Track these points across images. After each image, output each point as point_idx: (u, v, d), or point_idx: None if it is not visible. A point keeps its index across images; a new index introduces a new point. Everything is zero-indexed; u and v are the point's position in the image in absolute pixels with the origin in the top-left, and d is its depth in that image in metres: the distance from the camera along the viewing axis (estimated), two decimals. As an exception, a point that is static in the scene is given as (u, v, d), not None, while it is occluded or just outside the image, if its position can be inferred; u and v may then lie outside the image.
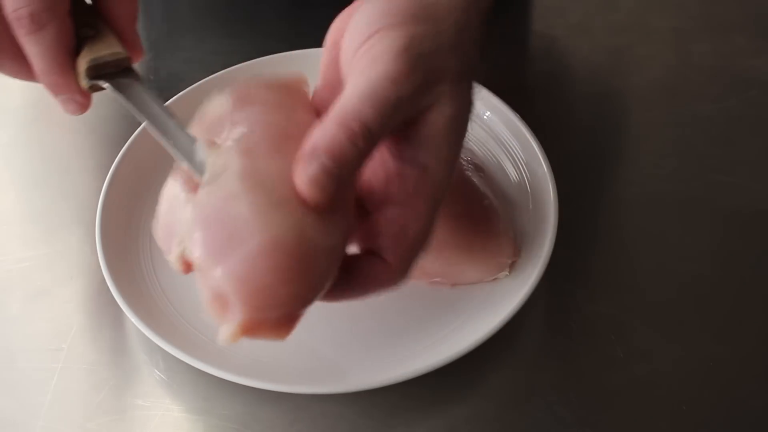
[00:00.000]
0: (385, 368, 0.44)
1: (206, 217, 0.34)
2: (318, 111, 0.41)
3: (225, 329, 0.34)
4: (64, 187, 0.58)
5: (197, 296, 0.49)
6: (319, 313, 0.48)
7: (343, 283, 0.37)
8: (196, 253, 0.34)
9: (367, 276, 0.37)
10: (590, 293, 0.51)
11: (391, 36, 0.36)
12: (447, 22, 0.38)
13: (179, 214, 0.37)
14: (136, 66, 0.43)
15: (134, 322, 0.45)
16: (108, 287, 0.47)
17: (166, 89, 0.63)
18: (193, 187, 0.37)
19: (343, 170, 0.34)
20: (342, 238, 0.35)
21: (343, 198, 0.36)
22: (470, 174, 0.52)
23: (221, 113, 0.39)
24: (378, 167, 0.37)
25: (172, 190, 0.38)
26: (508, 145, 0.55)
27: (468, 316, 0.47)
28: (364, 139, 0.34)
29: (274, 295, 0.33)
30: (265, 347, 0.46)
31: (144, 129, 0.55)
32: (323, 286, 0.35)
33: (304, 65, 0.52)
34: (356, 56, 0.37)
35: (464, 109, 0.38)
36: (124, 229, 0.51)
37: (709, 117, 0.62)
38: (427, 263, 0.48)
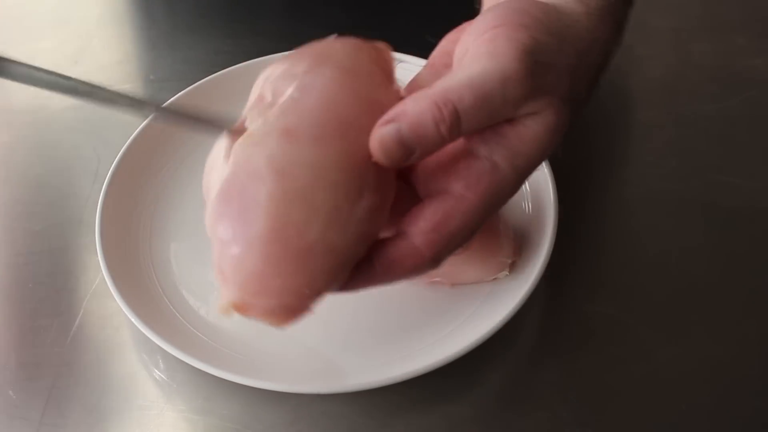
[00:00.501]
0: (385, 368, 0.44)
1: (224, 191, 0.34)
2: (409, 91, 0.38)
3: (220, 302, 0.34)
4: (64, 187, 0.58)
5: (197, 296, 0.49)
6: (319, 313, 0.49)
7: (363, 269, 0.35)
8: (209, 222, 0.35)
9: (390, 259, 0.35)
10: (590, 293, 0.51)
11: (517, 34, 0.34)
12: (571, 45, 0.36)
13: (213, 177, 0.37)
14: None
15: (134, 322, 0.45)
16: (108, 287, 0.47)
17: (166, 89, 0.63)
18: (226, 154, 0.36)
19: (416, 146, 0.33)
20: (360, 238, 0.34)
21: (380, 195, 0.35)
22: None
23: (292, 67, 0.38)
24: (446, 154, 0.35)
25: (216, 151, 0.38)
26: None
27: (468, 316, 0.47)
28: (449, 127, 0.33)
29: (264, 284, 0.33)
30: (264, 347, 0.47)
31: (144, 129, 0.55)
32: (327, 283, 0.34)
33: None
34: (476, 42, 0.35)
35: (558, 131, 0.35)
36: (124, 229, 0.51)
37: (709, 117, 0.62)
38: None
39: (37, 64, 0.36)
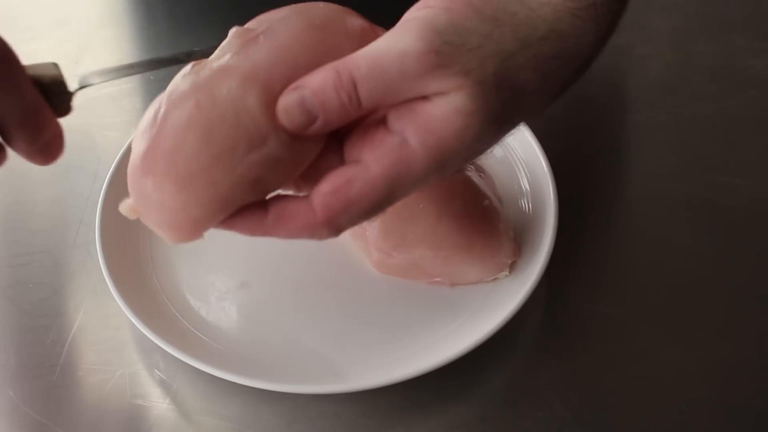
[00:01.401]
0: (385, 368, 0.44)
1: (150, 109, 0.36)
2: None
3: (124, 202, 0.37)
4: (64, 187, 0.58)
5: (197, 296, 0.49)
6: (319, 313, 0.49)
7: (255, 213, 0.36)
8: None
9: (282, 213, 0.35)
10: (590, 293, 0.51)
11: (434, 15, 0.35)
12: (512, 33, 0.35)
13: None
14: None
15: (134, 322, 0.45)
16: (108, 287, 0.47)
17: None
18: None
19: (318, 111, 0.34)
20: (249, 184, 0.35)
21: (290, 151, 0.35)
22: (470, 174, 0.52)
23: (274, 14, 0.39)
24: (370, 125, 0.36)
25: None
26: (508, 146, 0.55)
27: (468, 316, 0.47)
28: (347, 94, 0.34)
29: (146, 196, 0.35)
30: (264, 347, 0.47)
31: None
32: (203, 214, 0.35)
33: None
34: (398, 22, 0.36)
35: (475, 115, 0.34)
36: (124, 229, 0.51)
37: (709, 117, 0.62)
38: (427, 263, 0.48)
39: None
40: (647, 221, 0.55)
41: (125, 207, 0.37)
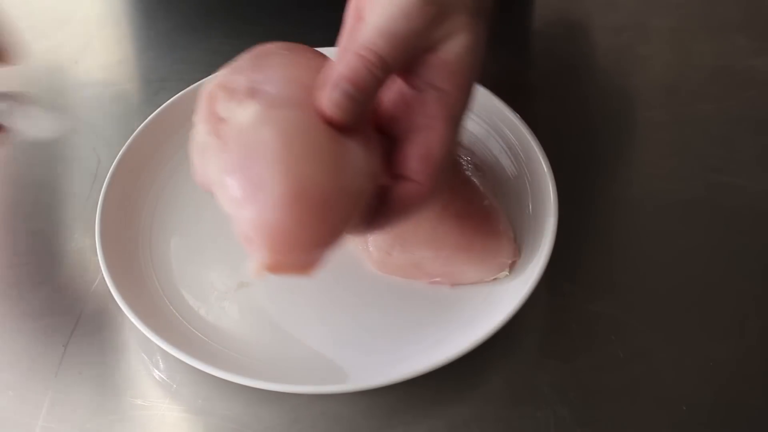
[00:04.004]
0: (385, 368, 0.44)
1: (232, 163, 0.36)
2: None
3: (251, 266, 0.36)
4: (64, 187, 0.58)
5: (197, 296, 0.49)
6: (319, 313, 0.49)
7: (379, 212, 0.39)
8: (225, 199, 0.36)
9: (400, 199, 0.39)
10: (590, 293, 0.51)
11: None
12: None
13: (209, 165, 0.38)
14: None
15: (134, 322, 0.45)
16: (108, 287, 0.47)
17: (165, 89, 0.63)
18: (217, 132, 0.38)
19: (363, 95, 0.37)
20: (366, 177, 0.37)
21: (366, 135, 0.38)
22: (470, 174, 0.52)
23: (240, 67, 0.40)
24: (398, 97, 0.39)
25: (199, 138, 0.39)
26: (508, 145, 0.55)
27: (468, 316, 0.47)
28: (379, 68, 0.37)
29: (295, 241, 0.35)
30: (264, 347, 0.47)
31: (144, 129, 0.55)
32: (346, 226, 0.37)
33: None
34: None
35: (479, 42, 0.40)
36: (124, 229, 0.51)
37: (709, 117, 0.62)
38: (427, 263, 0.48)
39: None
40: (647, 221, 0.55)
41: (258, 271, 0.36)
